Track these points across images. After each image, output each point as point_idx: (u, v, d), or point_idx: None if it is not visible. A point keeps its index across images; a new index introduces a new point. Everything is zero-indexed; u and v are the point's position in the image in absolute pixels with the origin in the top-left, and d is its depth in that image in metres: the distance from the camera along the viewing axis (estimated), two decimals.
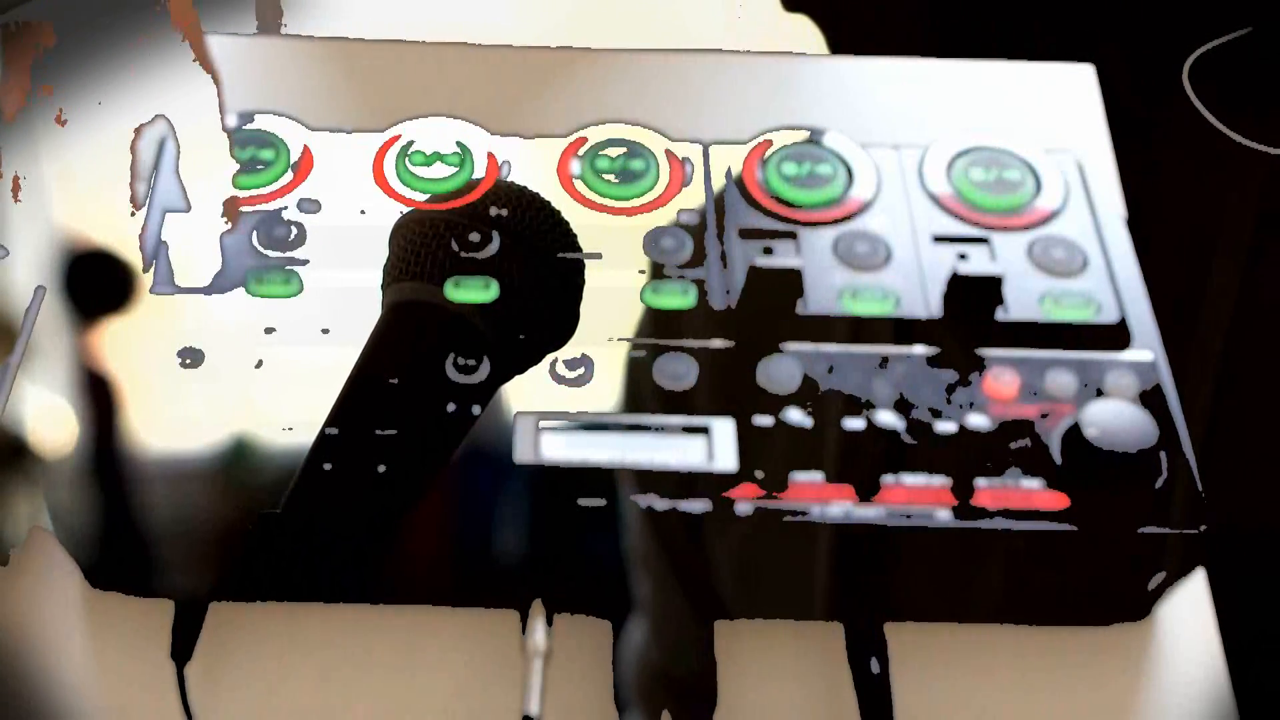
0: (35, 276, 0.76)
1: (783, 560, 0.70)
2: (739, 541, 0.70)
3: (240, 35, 0.83)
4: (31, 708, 0.68)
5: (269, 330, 0.73)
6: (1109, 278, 0.75)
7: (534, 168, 0.78)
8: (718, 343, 0.72)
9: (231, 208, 0.76)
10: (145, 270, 0.74)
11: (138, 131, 0.78)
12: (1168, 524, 0.68)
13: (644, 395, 0.71)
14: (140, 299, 0.74)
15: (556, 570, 0.70)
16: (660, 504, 0.68)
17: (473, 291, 0.72)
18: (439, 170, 0.78)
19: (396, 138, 0.79)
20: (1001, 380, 0.71)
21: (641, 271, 0.75)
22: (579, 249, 0.75)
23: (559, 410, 0.70)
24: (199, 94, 0.80)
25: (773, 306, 0.73)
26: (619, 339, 0.73)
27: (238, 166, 0.77)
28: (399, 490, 0.68)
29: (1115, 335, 0.73)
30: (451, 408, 0.70)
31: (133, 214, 0.76)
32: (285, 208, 0.76)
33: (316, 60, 0.83)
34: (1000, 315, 0.73)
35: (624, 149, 0.79)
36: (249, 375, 0.71)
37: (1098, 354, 0.72)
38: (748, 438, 0.69)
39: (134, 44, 0.82)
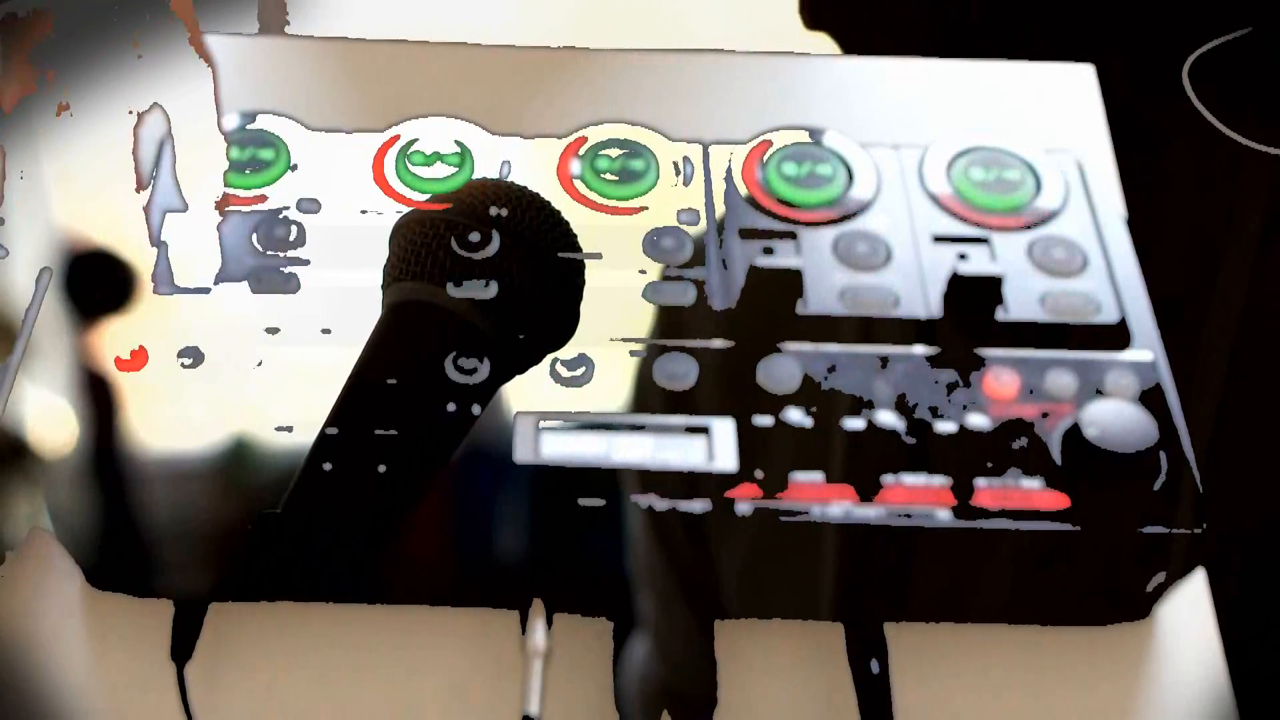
0: (35, 276, 0.76)
1: (783, 560, 0.70)
2: (739, 541, 0.70)
3: (242, 35, 0.83)
4: (31, 708, 0.68)
5: (269, 330, 0.73)
6: (1109, 278, 0.75)
7: (534, 168, 0.78)
8: (718, 343, 0.72)
9: (221, 204, 0.76)
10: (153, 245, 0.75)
11: (140, 118, 0.78)
12: (1168, 524, 0.68)
13: (644, 395, 0.71)
14: (140, 299, 0.74)
15: (556, 570, 0.70)
16: (660, 504, 0.68)
17: (473, 291, 0.72)
18: (439, 170, 0.78)
19: (396, 138, 0.79)
20: (1001, 380, 0.71)
21: (642, 271, 0.75)
22: (579, 249, 0.75)
23: (559, 410, 0.70)
24: (200, 89, 0.80)
25: (773, 306, 0.73)
26: (619, 339, 0.73)
27: (234, 165, 0.77)
28: (399, 490, 0.68)
29: (1115, 335, 0.73)
30: (451, 408, 0.70)
31: (138, 191, 0.76)
32: (285, 208, 0.76)
33: (317, 60, 0.83)
34: (1000, 315, 0.73)
35: (624, 149, 0.79)
36: (249, 375, 0.71)
37: (1098, 354, 0.72)
38: (748, 438, 0.69)
39: (135, 37, 0.82)
